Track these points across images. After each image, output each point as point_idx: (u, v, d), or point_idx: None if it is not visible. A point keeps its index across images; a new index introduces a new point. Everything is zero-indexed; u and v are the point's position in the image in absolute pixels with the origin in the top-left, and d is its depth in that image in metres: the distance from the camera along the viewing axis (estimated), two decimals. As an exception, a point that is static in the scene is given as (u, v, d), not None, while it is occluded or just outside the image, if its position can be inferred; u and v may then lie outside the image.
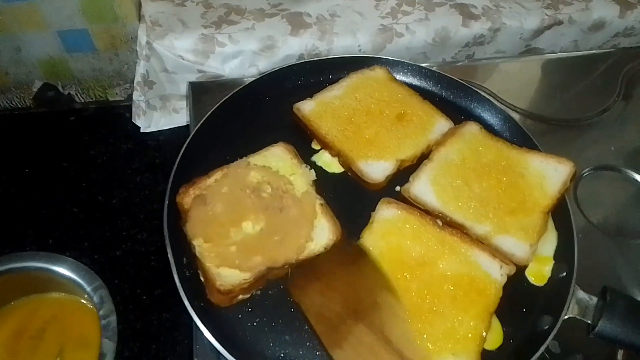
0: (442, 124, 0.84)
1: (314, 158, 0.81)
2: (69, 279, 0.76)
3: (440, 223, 0.71)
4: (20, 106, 1.09)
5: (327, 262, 0.68)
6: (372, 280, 0.66)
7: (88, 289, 0.75)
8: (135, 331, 0.83)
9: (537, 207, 0.73)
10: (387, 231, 0.70)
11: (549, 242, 0.74)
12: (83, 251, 0.90)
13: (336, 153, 0.79)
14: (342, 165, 0.80)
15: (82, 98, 1.11)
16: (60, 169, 1.01)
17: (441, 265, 0.68)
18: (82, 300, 0.78)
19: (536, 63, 1.13)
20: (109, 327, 0.72)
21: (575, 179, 0.82)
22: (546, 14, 1.13)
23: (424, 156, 0.80)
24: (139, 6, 1.00)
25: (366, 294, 0.65)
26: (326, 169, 0.80)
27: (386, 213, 0.72)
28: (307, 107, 0.83)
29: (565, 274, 0.70)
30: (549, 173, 0.76)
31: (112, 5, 0.94)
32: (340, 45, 1.04)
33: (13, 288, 0.77)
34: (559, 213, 0.75)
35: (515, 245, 0.70)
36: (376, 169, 0.77)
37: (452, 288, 0.66)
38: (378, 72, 0.89)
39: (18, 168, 1.00)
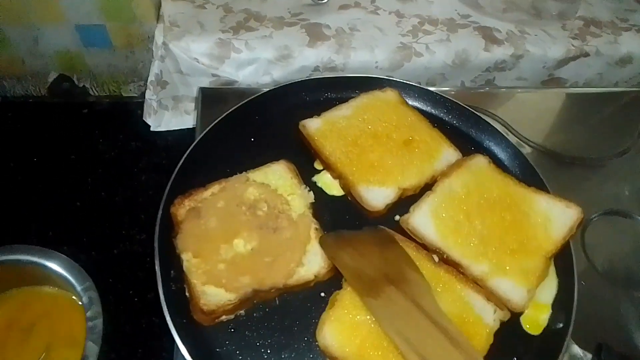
0: (449, 153, 0.81)
1: (315, 178, 0.79)
2: (61, 275, 0.76)
3: (436, 259, 0.70)
4: (35, 95, 1.10)
5: (357, 235, 0.70)
6: (400, 258, 0.67)
7: (78, 288, 0.75)
8: (124, 333, 0.83)
9: (539, 251, 0.71)
10: (381, 262, 0.68)
11: (549, 289, 0.71)
12: (81, 247, 0.90)
13: (337, 175, 0.78)
14: (343, 188, 0.78)
15: (96, 92, 1.11)
16: (68, 161, 1.01)
17: (433, 303, 0.66)
18: (74, 297, 0.78)
19: (555, 95, 1.09)
20: (94, 330, 0.72)
21: (585, 222, 0.79)
22: (572, 45, 1.10)
23: (427, 186, 0.78)
24: (158, 6, 1.00)
25: (396, 268, 0.66)
26: (326, 191, 0.79)
27: (382, 243, 0.70)
28: (313, 125, 0.82)
29: (561, 325, 0.67)
30: (555, 216, 0.74)
31: (130, 4, 0.94)
32: (357, 60, 1.03)
33: (7, 279, 0.78)
34: (562, 259, 0.72)
35: (512, 289, 0.68)
36: (377, 196, 0.75)
37: (441, 328, 0.64)
38: (389, 95, 0.87)
39: (27, 156, 1.00)
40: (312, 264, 0.67)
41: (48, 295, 0.80)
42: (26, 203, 0.95)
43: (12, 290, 0.79)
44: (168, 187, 0.71)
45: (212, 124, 0.79)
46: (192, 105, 1.07)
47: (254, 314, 0.65)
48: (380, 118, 0.83)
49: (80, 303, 0.77)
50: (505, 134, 0.87)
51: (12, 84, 1.08)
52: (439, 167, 0.80)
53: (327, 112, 0.84)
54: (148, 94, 1.03)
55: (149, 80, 1.01)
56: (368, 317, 0.63)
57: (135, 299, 0.86)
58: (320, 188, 0.79)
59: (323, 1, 1.08)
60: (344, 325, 0.63)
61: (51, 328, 0.77)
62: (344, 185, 0.77)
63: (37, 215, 0.93)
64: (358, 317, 0.63)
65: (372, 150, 0.79)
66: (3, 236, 0.89)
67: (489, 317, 0.65)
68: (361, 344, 0.62)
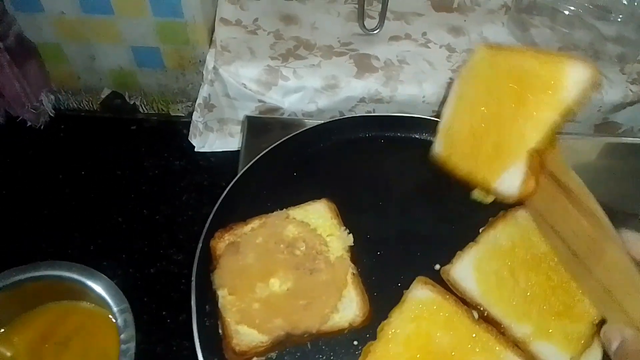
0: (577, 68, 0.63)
1: (474, 195, 0.76)
2: (99, 295, 0.78)
3: (476, 316, 0.67)
4: (87, 109, 1.14)
5: None
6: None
7: (114, 309, 0.76)
8: (155, 354, 0.84)
9: (586, 316, 0.67)
10: (418, 314, 0.66)
11: (593, 358, 0.67)
12: (120, 263, 0.92)
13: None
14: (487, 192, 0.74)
15: (146, 109, 1.14)
16: (114, 177, 1.04)
17: (469, 363, 0.63)
18: (110, 316, 0.80)
19: (607, 144, 1.04)
20: (127, 353, 0.73)
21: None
22: (631, 90, 1.05)
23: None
24: (211, 31, 1.02)
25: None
26: (484, 201, 0.76)
27: (420, 294, 0.68)
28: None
29: (604, 399, 0.63)
30: (604, 280, 0.70)
31: (185, 29, 0.96)
32: (404, 93, 1.01)
33: (46, 293, 0.80)
34: (610, 326, 0.68)
35: (554, 354, 0.64)
36: (507, 182, 0.70)
37: (476, 391, 0.62)
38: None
39: (76, 169, 1.04)
40: (347, 310, 0.66)
41: (85, 310, 0.81)
42: (71, 215, 0.97)
43: (50, 303, 0.81)
44: (209, 220, 0.71)
45: (255, 158, 0.79)
46: (237, 127, 1.08)
47: (285, 357, 0.65)
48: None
49: (114, 321, 0.79)
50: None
51: (66, 98, 1.12)
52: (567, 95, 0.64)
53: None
54: (195, 116, 1.05)
55: (197, 103, 1.03)
56: (401, 372, 0.62)
57: (167, 320, 0.87)
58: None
59: (374, 31, 1.07)
60: (376, 379, 0.62)
61: (87, 342, 0.79)
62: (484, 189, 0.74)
63: (81, 228, 0.96)
64: (391, 371, 0.62)
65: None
66: (47, 246, 0.92)
67: (529, 383, 0.62)
68: (393, 399, 0.61)
